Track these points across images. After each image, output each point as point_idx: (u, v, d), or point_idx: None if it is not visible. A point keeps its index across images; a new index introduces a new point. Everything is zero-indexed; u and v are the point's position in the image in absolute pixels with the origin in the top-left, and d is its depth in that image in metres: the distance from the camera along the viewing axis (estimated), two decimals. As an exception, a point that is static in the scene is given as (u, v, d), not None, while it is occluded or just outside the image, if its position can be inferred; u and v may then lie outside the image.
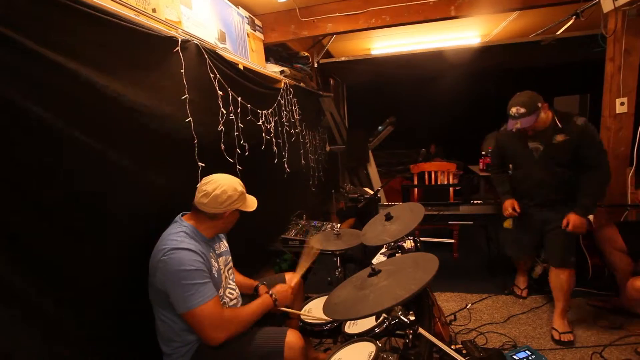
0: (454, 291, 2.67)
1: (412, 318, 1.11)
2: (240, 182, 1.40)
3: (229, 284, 1.49)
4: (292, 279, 1.67)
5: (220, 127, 1.80)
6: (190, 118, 1.53)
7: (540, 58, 4.26)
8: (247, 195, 1.44)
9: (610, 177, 1.94)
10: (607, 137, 2.42)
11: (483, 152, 3.86)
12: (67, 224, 1.04)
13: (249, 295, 1.59)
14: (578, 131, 1.91)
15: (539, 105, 1.91)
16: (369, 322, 1.37)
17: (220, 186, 1.32)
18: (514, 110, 1.95)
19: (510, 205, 2.21)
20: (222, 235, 1.55)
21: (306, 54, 3.44)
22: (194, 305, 1.19)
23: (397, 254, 1.81)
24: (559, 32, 3.34)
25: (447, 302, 2.55)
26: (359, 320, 1.45)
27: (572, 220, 1.93)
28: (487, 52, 3.67)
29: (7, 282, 0.87)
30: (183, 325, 1.26)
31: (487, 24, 3.72)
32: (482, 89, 5.46)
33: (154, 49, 1.37)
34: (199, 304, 1.20)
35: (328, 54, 4.26)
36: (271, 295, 1.48)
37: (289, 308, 1.58)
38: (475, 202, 2.88)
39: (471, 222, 2.80)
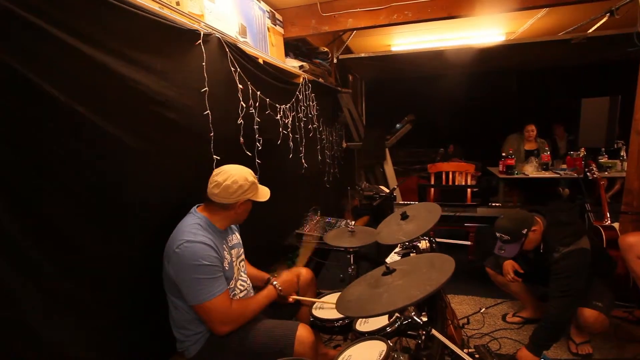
0: (468, 294, 2.62)
1: (425, 319, 1.09)
2: (251, 172, 1.40)
3: (241, 275, 1.51)
4: (296, 268, 1.67)
5: (240, 121, 1.81)
6: (208, 111, 1.54)
7: (568, 57, 4.10)
8: (260, 185, 1.44)
9: (563, 321, 1.75)
10: (637, 141, 2.30)
11: (503, 154, 3.76)
12: (88, 211, 1.06)
13: (260, 288, 1.60)
14: (552, 261, 1.80)
15: (525, 231, 1.82)
16: (380, 321, 1.36)
17: (231, 176, 1.32)
18: (498, 234, 1.88)
19: (511, 268, 2.10)
20: (235, 228, 1.56)
21: (326, 49, 3.42)
22: (204, 300, 1.21)
23: (411, 254, 1.78)
24: (590, 31, 3.18)
25: (461, 305, 2.51)
26: (370, 319, 1.44)
27: (521, 357, 1.76)
28: (512, 51, 3.55)
29: (35, 264, 0.91)
30: (195, 315, 1.29)
31: (513, 21, 3.59)
32: (504, 89, 5.32)
33: (176, 41, 1.39)
34: (209, 298, 1.22)
35: (348, 50, 4.22)
36: (275, 285, 1.49)
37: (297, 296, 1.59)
38: (493, 204, 2.81)
39: (488, 225, 2.74)
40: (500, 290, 2.32)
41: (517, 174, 3.68)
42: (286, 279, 1.54)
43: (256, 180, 1.40)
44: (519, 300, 2.35)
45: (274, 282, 1.50)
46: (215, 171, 1.36)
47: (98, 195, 1.08)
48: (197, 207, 1.38)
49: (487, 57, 3.70)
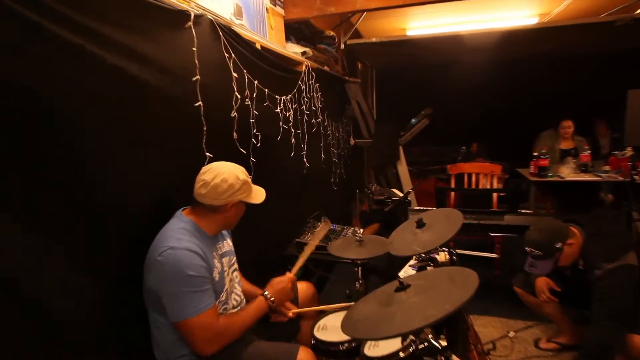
0: (494, 315, 2.60)
1: (444, 343, 1.09)
2: (243, 170, 1.40)
3: (234, 288, 1.51)
4: (290, 272, 1.64)
5: (234, 114, 1.82)
6: (200, 102, 1.55)
7: (612, 42, 4.05)
8: (254, 185, 1.44)
9: (608, 350, 1.72)
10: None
11: (535, 154, 3.74)
12: (56, 213, 1.05)
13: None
14: (594, 280, 1.78)
15: (559, 245, 1.80)
16: (392, 345, 1.35)
17: (220, 174, 1.32)
18: (527, 249, 1.86)
19: (545, 286, 2.06)
20: (226, 234, 1.56)
21: (332, 33, 3.43)
22: (188, 316, 1.21)
23: (428, 267, 1.78)
24: (638, 11, 3.16)
25: (486, 327, 2.49)
26: (381, 342, 1.43)
27: None
28: (546, 35, 3.53)
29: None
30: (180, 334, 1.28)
31: (546, 1, 3.58)
32: (536, 79, 5.28)
33: (163, 23, 1.40)
34: (194, 314, 1.21)
35: (357, 34, 4.23)
36: (265, 295, 1.48)
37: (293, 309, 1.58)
38: (523, 211, 2.79)
39: (517, 235, 2.72)
40: (531, 312, 2.30)
41: (551, 176, 3.65)
42: (278, 287, 1.52)
43: (249, 180, 1.40)
44: (554, 324, 2.33)
45: (265, 292, 1.49)
46: (203, 169, 1.37)
47: (68, 196, 1.07)
48: (182, 210, 1.39)
49: (517, 42, 3.68)
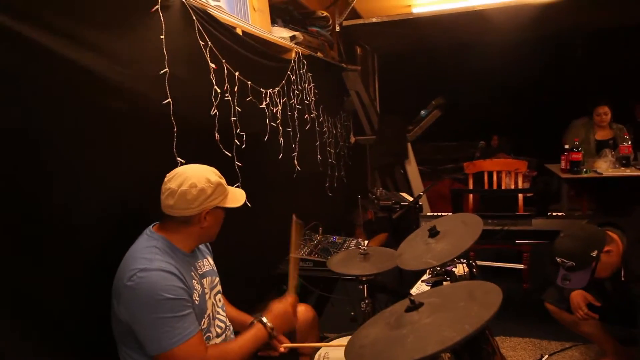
0: (524, 336, 2.61)
1: (466, 370, 1.09)
2: (215, 171, 1.40)
3: (218, 313, 1.51)
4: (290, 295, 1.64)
5: (214, 111, 1.83)
6: (169, 99, 1.56)
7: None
8: (229, 187, 1.44)
9: None
10: None
11: (567, 146, 3.76)
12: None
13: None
14: (638, 295, 1.78)
15: (595, 254, 1.80)
16: (405, 374, 1.35)
17: (188, 180, 1.31)
18: (559, 260, 1.87)
19: (583, 301, 2.05)
20: (205, 251, 1.57)
21: (325, 13, 3.46)
22: (170, 346, 1.20)
23: (444, 283, 1.79)
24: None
25: (515, 350, 2.50)
26: (392, 371, 1.44)
27: None
28: (573, 8, 3.56)
29: None
30: None
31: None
32: (566, 58, 5.31)
33: (124, 8, 1.40)
34: (176, 343, 1.21)
35: (354, 14, 4.26)
36: (264, 322, 1.47)
37: (296, 342, 1.58)
38: (554, 214, 2.81)
39: (548, 241, 2.74)
40: (568, 331, 2.31)
41: (586, 172, 3.67)
42: (278, 312, 1.51)
43: (223, 181, 1.40)
44: (596, 345, 2.34)
45: (263, 319, 1.48)
46: (168, 176, 1.36)
47: (12, 214, 1.06)
48: (152, 226, 1.39)
49: (542, 17, 3.69)
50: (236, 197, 1.44)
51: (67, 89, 1.20)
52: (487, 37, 4.94)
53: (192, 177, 1.33)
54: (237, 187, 2.02)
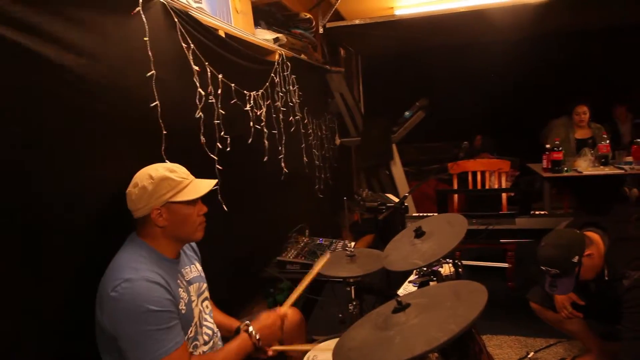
0: (510, 334, 2.64)
1: (453, 369, 1.10)
2: (164, 165, 1.36)
3: (205, 320, 1.50)
4: (282, 307, 1.64)
5: (199, 114, 1.81)
6: (157, 102, 1.55)
7: (632, 12, 4.12)
8: (195, 180, 1.39)
9: None
10: None
11: (548, 146, 3.83)
12: None
13: (229, 339, 1.59)
14: (621, 291, 1.83)
15: (576, 259, 1.84)
16: (394, 375, 1.36)
17: (133, 181, 1.32)
18: (543, 268, 1.91)
19: (567, 300, 2.09)
20: (192, 256, 1.55)
21: (308, 15, 3.45)
22: (155, 358, 1.19)
23: (430, 283, 1.80)
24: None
25: (501, 348, 2.53)
26: (380, 372, 1.44)
27: None
28: (555, 9, 3.62)
29: None
30: None
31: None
32: (545, 59, 5.39)
33: (106, 10, 1.39)
34: (160, 356, 1.20)
35: (337, 16, 4.28)
36: (250, 332, 1.46)
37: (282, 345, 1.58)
38: (537, 212, 2.86)
39: (532, 240, 2.77)
40: (553, 328, 2.35)
41: (566, 171, 3.73)
42: (266, 323, 1.52)
43: (171, 175, 1.33)
44: (580, 341, 2.38)
45: (249, 329, 1.48)
46: None
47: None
48: (135, 230, 1.38)
49: (523, 18, 3.75)
50: (197, 188, 1.36)
51: (53, 92, 1.19)
52: (469, 39, 5.01)
53: (137, 176, 1.33)
54: (215, 189, 2.00)
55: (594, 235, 1.93)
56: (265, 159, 2.53)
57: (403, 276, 2.06)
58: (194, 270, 1.51)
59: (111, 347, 1.25)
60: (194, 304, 1.42)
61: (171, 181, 1.32)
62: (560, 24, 4.56)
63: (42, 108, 1.16)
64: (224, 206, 2.02)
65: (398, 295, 1.14)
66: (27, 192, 1.14)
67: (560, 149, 3.76)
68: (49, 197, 1.20)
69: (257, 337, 1.46)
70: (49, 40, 1.16)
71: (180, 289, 1.35)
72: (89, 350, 1.29)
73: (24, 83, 1.10)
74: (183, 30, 1.75)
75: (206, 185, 1.38)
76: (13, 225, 1.10)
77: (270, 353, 1.55)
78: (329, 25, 4.07)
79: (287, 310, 1.65)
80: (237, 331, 1.56)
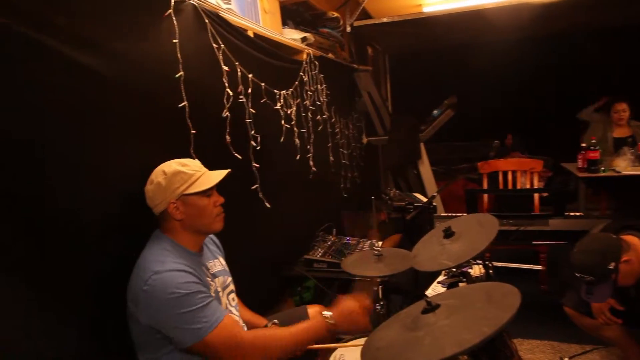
0: (542, 338, 2.58)
1: (484, 372, 1.08)
2: (177, 161, 1.39)
3: (231, 312, 1.52)
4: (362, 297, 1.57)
5: (226, 113, 1.84)
6: (185, 102, 1.58)
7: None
8: (208, 171, 1.41)
9: None
10: None
11: (584, 145, 3.70)
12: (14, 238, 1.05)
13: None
14: None
15: (612, 266, 1.77)
16: (422, 376, 1.34)
17: (148, 180, 1.36)
18: (578, 275, 1.85)
19: (605, 305, 1.99)
20: (216, 251, 1.58)
21: (336, 14, 3.46)
22: (203, 334, 1.22)
23: (460, 284, 1.77)
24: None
25: (534, 353, 2.47)
26: (408, 373, 1.42)
27: None
28: (592, 4, 3.49)
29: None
30: None
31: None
32: (581, 55, 5.21)
33: (138, 13, 1.43)
34: (208, 330, 1.23)
35: (365, 14, 4.26)
36: (326, 316, 1.43)
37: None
38: (571, 213, 2.77)
39: (565, 242, 2.69)
40: (589, 334, 2.27)
41: (603, 171, 3.61)
42: (346, 309, 1.47)
43: (183, 169, 1.36)
44: (618, 349, 2.29)
45: (326, 312, 1.46)
46: None
47: (35, 218, 1.09)
48: (159, 227, 1.41)
49: (555, 13, 3.65)
50: (209, 178, 1.39)
51: (83, 93, 1.22)
52: (501, 35, 4.89)
53: (153, 174, 1.36)
54: (255, 188, 2.03)
55: (632, 239, 1.85)
56: (298, 157, 2.55)
57: (431, 277, 2.03)
58: (218, 264, 1.53)
59: (150, 343, 1.28)
60: (220, 295, 1.45)
61: (183, 174, 1.35)
62: (597, 20, 4.40)
63: (71, 109, 1.19)
64: (266, 203, 2.08)
65: (426, 296, 1.12)
66: (57, 192, 1.17)
67: (598, 148, 3.64)
68: (79, 197, 1.23)
69: (332, 322, 1.44)
70: (78, 42, 1.19)
71: (207, 278, 1.38)
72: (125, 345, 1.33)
73: (54, 82, 1.13)
74: (214, 31, 1.77)
75: (217, 175, 1.41)
76: (51, 224, 1.14)
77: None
78: (356, 23, 4.05)
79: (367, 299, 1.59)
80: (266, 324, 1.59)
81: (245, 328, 1.59)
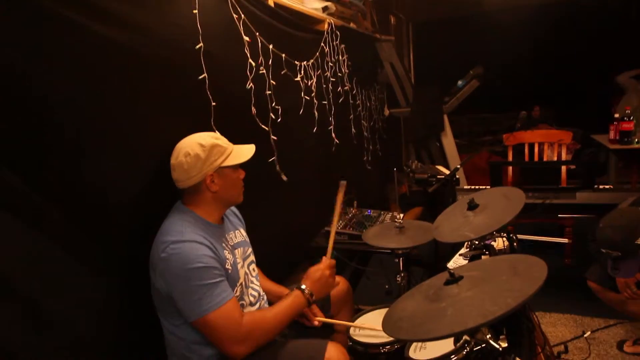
0: (565, 312, 2.56)
1: (505, 345, 1.07)
2: (210, 134, 1.40)
3: (251, 282, 1.54)
4: (325, 257, 1.62)
5: (250, 85, 1.82)
6: (205, 74, 1.56)
7: None
8: (236, 145, 1.43)
9: None
10: None
11: (617, 115, 3.55)
12: (54, 208, 1.09)
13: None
14: None
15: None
16: (443, 346, 1.35)
17: (181, 150, 1.34)
18: (604, 251, 1.76)
19: (631, 279, 1.94)
20: (237, 222, 1.59)
21: (358, -19, 3.35)
22: (205, 312, 1.25)
23: (483, 257, 1.75)
24: None
25: (555, 326, 2.45)
26: (428, 343, 1.43)
27: None
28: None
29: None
30: (197, 337, 1.33)
31: None
32: (613, 18, 4.93)
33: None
34: (211, 309, 1.25)
35: (388, -19, 4.11)
36: (302, 289, 1.47)
37: (331, 318, 1.59)
38: (601, 186, 2.68)
39: (593, 216, 2.62)
40: (613, 309, 2.23)
41: (637, 142, 3.47)
42: (315, 276, 1.52)
43: (220, 142, 1.38)
44: None
45: (302, 286, 1.49)
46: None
47: (63, 189, 1.12)
48: (181, 199, 1.42)
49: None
50: (242, 152, 1.42)
51: (102, 66, 1.22)
52: (528, 1, 4.66)
53: (185, 146, 1.35)
54: (272, 160, 2.03)
55: None
56: (315, 129, 2.53)
57: (452, 249, 2.01)
58: (239, 235, 1.55)
59: (166, 308, 1.32)
60: (239, 266, 1.46)
61: (220, 147, 1.37)
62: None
63: (90, 81, 1.19)
64: (283, 176, 2.08)
65: (450, 268, 1.11)
66: (87, 168, 1.20)
67: (632, 118, 3.49)
68: (110, 171, 1.26)
69: (309, 292, 1.47)
70: (97, 14, 1.18)
71: (225, 251, 1.39)
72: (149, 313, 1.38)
73: (73, 56, 1.13)
74: (233, 1, 1.74)
75: (247, 150, 1.44)
76: (77, 201, 1.17)
77: (316, 323, 1.59)
78: (379, -9, 3.92)
79: (330, 261, 1.62)
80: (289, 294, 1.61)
81: (266, 298, 1.62)
